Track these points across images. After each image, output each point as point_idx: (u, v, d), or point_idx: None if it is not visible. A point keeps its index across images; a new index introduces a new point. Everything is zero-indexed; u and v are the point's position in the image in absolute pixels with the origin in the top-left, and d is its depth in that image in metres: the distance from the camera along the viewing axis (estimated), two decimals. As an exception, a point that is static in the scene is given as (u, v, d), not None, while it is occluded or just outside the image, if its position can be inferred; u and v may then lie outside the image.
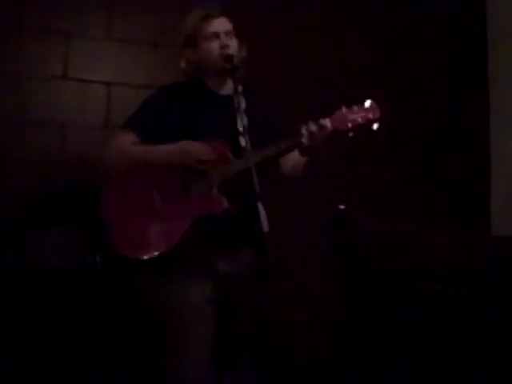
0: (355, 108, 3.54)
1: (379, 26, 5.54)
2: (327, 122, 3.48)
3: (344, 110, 3.54)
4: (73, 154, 4.75)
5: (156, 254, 3.54)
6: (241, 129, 3.31)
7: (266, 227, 3.09)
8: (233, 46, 3.62)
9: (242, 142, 3.31)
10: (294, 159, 3.69)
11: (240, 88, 3.47)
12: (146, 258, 3.56)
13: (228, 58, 3.56)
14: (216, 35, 3.61)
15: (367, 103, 3.57)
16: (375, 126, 3.52)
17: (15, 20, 4.78)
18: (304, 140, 3.45)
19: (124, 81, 4.95)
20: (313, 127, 3.46)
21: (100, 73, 4.91)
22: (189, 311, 3.59)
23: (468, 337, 2.65)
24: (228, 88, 3.60)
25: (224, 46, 3.57)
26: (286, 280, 3.77)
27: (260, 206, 3.12)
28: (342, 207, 4.42)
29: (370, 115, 3.53)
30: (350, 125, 3.50)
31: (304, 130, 3.48)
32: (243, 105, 3.43)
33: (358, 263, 2.36)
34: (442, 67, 5.68)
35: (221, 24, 3.65)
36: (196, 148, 3.54)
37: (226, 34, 3.62)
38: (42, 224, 4.56)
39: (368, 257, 2.33)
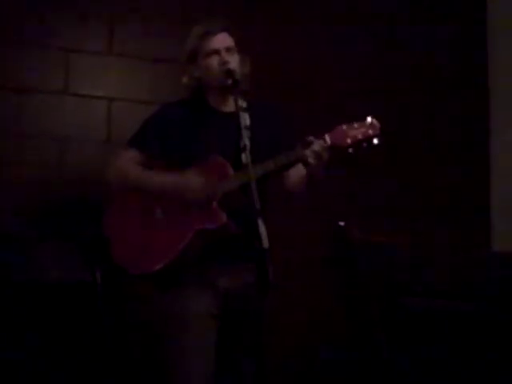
0: (356, 124, 3.54)
1: (380, 39, 5.57)
2: (327, 138, 3.51)
3: (344, 126, 3.55)
4: (73, 170, 4.77)
5: (159, 267, 3.55)
6: (242, 145, 3.32)
7: (266, 244, 3.10)
8: (233, 61, 3.61)
9: (244, 158, 3.33)
10: (295, 175, 3.70)
11: (243, 104, 3.51)
12: (152, 271, 3.57)
13: (229, 73, 3.58)
14: (216, 52, 3.60)
15: (368, 120, 3.58)
16: (375, 141, 3.52)
17: (16, 34, 4.78)
18: (306, 154, 3.47)
19: (125, 96, 4.97)
20: (313, 144, 3.49)
21: (101, 88, 4.93)
22: (188, 325, 3.59)
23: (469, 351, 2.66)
24: (231, 105, 3.59)
25: (224, 63, 3.57)
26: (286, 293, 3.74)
27: (260, 223, 3.13)
28: (341, 224, 4.44)
29: (370, 131, 3.53)
30: (349, 141, 3.50)
31: (305, 152, 3.50)
32: (247, 121, 3.46)
33: (357, 277, 2.37)
34: (442, 77, 5.72)
35: (221, 41, 3.64)
36: (192, 185, 3.56)
37: (227, 50, 3.61)
38: (41, 239, 4.54)
39: (367, 271, 2.35)
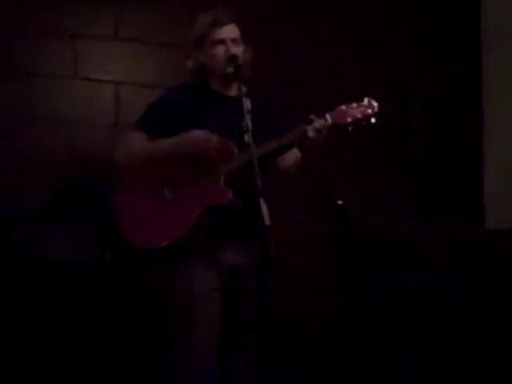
0: (355, 104, 3.67)
1: (378, 38, 5.60)
2: (328, 117, 3.62)
3: (344, 106, 3.67)
4: (82, 152, 4.79)
5: (167, 242, 3.64)
6: (245, 127, 3.39)
7: (267, 221, 3.17)
8: (238, 52, 3.70)
9: (246, 139, 3.40)
10: (290, 158, 3.83)
11: (245, 89, 3.57)
12: (161, 245, 3.65)
13: (232, 58, 3.66)
14: (223, 41, 3.70)
15: (365, 100, 3.69)
16: (373, 120, 3.64)
17: (28, 21, 4.78)
18: (307, 131, 3.58)
19: (131, 80, 4.98)
20: (314, 122, 3.59)
21: (109, 73, 4.94)
22: (194, 300, 3.69)
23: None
24: (233, 90, 3.69)
25: (229, 53, 3.65)
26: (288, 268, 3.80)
27: (262, 202, 3.21)
28: (339, 202, 4.51)
29: (369, 110, 3.67)
30: (349, 119, 3.63)
31: (306, 127, 3.61)
32: (248, 105, 3.53)
33: (353, 250, 2.44)
34: (436, 75, 5.77)
35: (229, 31, 3.73)
36: (201, 134, 3.62)
37: (233, 40, 3.71)
38: (52, 219, 4.61)
39: (363, 249, 2.42)
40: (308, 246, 5.04)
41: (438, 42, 5.74)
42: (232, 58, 3.65)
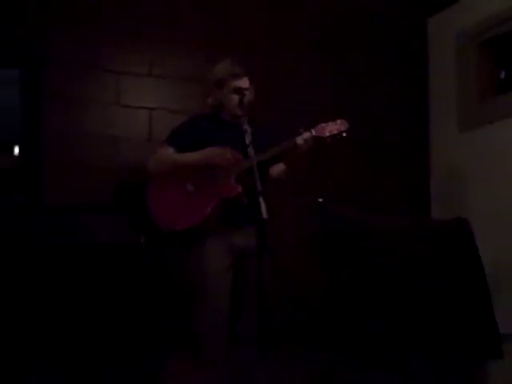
0: (331, 123, 3.86)
1: (348, 79, 5.55)
2: (312, 130, 3.80)
3: (323, 124, 3.85)
4: (123, 161, 4.79)
5: (191, 224, 3.77)
6: (248, 143, 3.47)
7: (265, 215, 3.24)
8: (250, 98, 3.87)
9: (249, 151, 3.48)
10: (278, 168, 3.97)
11: (246, 119, 3.63)
12: (184, 227, 3.80)
13: (241, 102, 3.79)
14: (239, 90, 3.82)
15: (338, 120, 3.88)
16: (344, 134, 3.86)
17: (86, 62, 4.80)
18: (298, 141, 3.76)
19: (161, 107, 4.96)
20: (303, 134, 3.77)
21: (143, 101, 4.94)
22: (210, 276, 3.79)
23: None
24: (238, 119, 3.77)
25: (241, 100, 3.79)
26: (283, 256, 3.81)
27: (261, 199, 3.28)
28: (320, 200, 4.52)
29: (342, 127, 3.85)
30: (327, 133, 3.82)
31: (297, 139, 3.76)
32: (249, 129, 3.61)
33: (331, 240, 2.45)
34: (391, 94, 5.69)
35: (244, 83, 3.88)
36: (218, 150, 3.80)
37: (246, 89, 3.85)
38: (99, 211, 4.48)
39: (339, 235, 2.44)
40: (296, 236, 5.05)
41: (392, 80, 5.74)
42: (242, 102, 3.78)
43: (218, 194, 3.77)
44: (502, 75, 5.51)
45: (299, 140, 3.79)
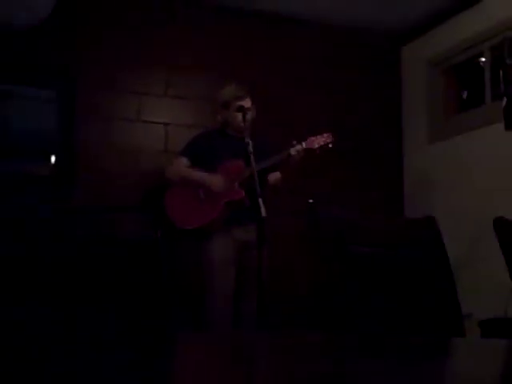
0: (319, 136, 3.89)
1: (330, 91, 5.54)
2: (303, 143, 3.83)
3: (313, 137, 3.87)
4: (143, 169, 4.79)
5: (201, 224, 3.80)
6: (249, 153, 3.51)
7: (264, 213, 3.26)
8: (249, 115, 3.86)
9: (251, 160, 3.52)
10: (275, 176, 3.98)
11: (248, 133, 3.68)
12: (195, 227, 3.83)
13: (244, 118, 3.79)
14: (242, 109, 3.82)
15: (325, 134, 3.90)
16: (330, 146, 3.89)
17: (109, 84, 4.82)
18: (291, 152, 3.80)
19: (176, 122, 4.96)
20: (295, 146, 3.78)
21: (160, 117, 4.95)
22: (217, 265, 3.81)
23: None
24: (242, 134, 3.78)
25: (245, 119, 3.80)
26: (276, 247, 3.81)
27: (260, 200, 3.31)
28: (310, 201, 4.57)
29: (328, 140, 3.86)
30: (316, 145, 3.83)
31: (291, 150, 3.79)
32: (251, 142, 3.63)
33: (322, 235, 2.46)
34: (371, 111, 5.66)
35: (247, 103, 3.89)
36: (216, 181, 3.83)
37: (248, 109, 3.85)
38: (123, 210, 4.60)
39: (328, 232, 2.44)
40: (290, 231, 5.01)
41: (371, 100, 5.74)
42: (244, 119, 3.79)
43: (225, 198, 3.79)
44: (465, 95, 5.55)
45: (292, 151, 3.84)
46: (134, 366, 1.17)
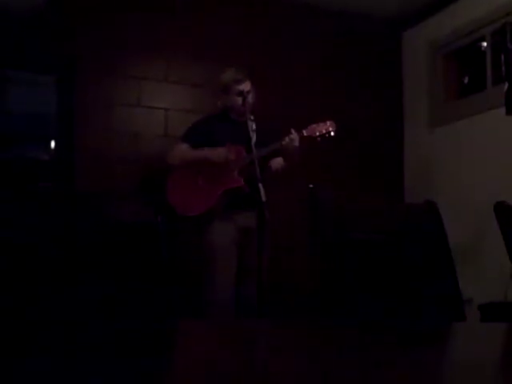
0: (321, 124, 3.79)
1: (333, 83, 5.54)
2: (304, 131, 3.74)
3: (314, 125, 3.79)
4: (144, 153, 4.78)
5: (201, 211, 3.78)
6: (252, 138, 3.51)
7: (264, 198, 3.26)
8: (250, 98, 3.83)
9: (252, 146, 3.52)
10: (278, 162, 3.92)
11: (252, 117, 3.68)
12: (195, 214, 3.81)
13: (244, 102, 3.78)
14: (241, 93, 3.80)
15: (328, 122, 3.80)
16: (332, 134, 3.78)
17: (109, 69, 4.79)
18: (289, 141, 3.72)
19: (176, 108, 4.95)
20: (291, 135, 3.71)
21: (161, 102, 4.94)
22: (218, 249, 3.80)
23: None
24: (244, 118, 3.76)
25: (246, 101, 3.78)
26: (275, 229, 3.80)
27: (260, 185, 3.31)
28: (311, 186, 4.53)
29: (330, 128, 3.77)
30: (317, 133, 3.76)
31: (285, 139, 3.73)
32: (253, 126, 3.63)
33: (321, 219, 2.44)
34: (373, 97, 5.65)
35: (245, 86, 3.85)
36: (221, 151, 3.79)
37: (248, 92, 3.82)
38: (123, 196, 4.59)
39: (328, 218, 2.42)
40: (290, 216, 5.00)
41: (372, 85, 5.72)
42: (244, 102, 3.76)
43: (223, 186, 3.77)
44: (466, 80, 5.53)
45: (284, 141, 3.75)
46: (135, 352, 1.17)
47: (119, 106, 4.85)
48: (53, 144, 4.62)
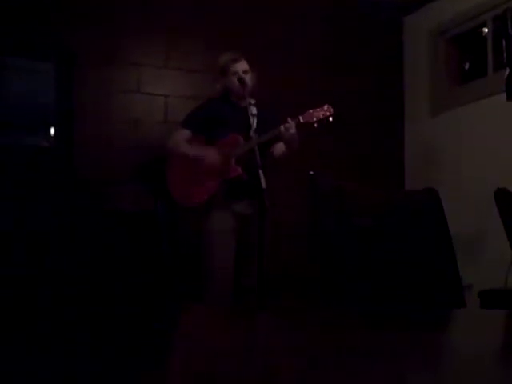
0: (318, 109, 3.73)
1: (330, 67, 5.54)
2: (300, 117, 3.69)
3: (311, 110, 3.73)
4: (143, 139, 4.76)
5: (200, 201, 3.75)
6: (252, 124, 3.49)
7: (264, 185, 3.26)
8: (248, 79, 3.78)
9: (251, 133, 3.50)
10: (280, 148, 3.88)
11: (253, 101, 3.66)
12: (195, 205, 3.79)
13: (241, 81, 3.75)
14: (237, 73, 3.76)
15: (325, 106, 3.75)
16: (330, 119, 3.72)
17: (109, 56, 4.78)
18: (285, 130, 3.65)
19: (175, 94, 4.93)
20: (287, 124, 3.67)
21: (160, 89, 4.92)
22: (217, 235, 3.79)
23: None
24: (244, 101, 3.73)
25: (241, 79, 3.74)
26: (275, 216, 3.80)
27: (260, 172, 3.30)
28: (311, 173, 4.53)
29: (327, 113, 3.71)
30: (314, 119, 3.69)
31: (281, 127, 3.68)
32: (254, 111, 3.60)
33: (321, 205, 2.43)
34: (373, 83, 5.64)
35: (241, 66, 3.81)
36: (209, 155, 3.78)
37: (244, 72, 3.79)
38: (123, 183, 4.58)
39: (329, 204, 2.42)
40: (290, 201, 5.00)
41: (373, 71, 5.70)
42: (241, 81, 3.72)
43: (222, 176, 3.75)
44: (467, 66, 5.51)
45: (282, 129, 3.67)
46: (136, 336, 1.17)
47: (119, 92, 4.82)
48: (52, 131, 4.61)
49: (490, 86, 4.85)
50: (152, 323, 1.30)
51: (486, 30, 5.06)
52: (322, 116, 3.72)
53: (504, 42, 3.77)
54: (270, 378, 0.80)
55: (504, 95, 3.83)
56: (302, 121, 3.69)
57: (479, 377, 0.87)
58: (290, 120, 3.66)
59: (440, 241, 2.38)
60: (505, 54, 3.74)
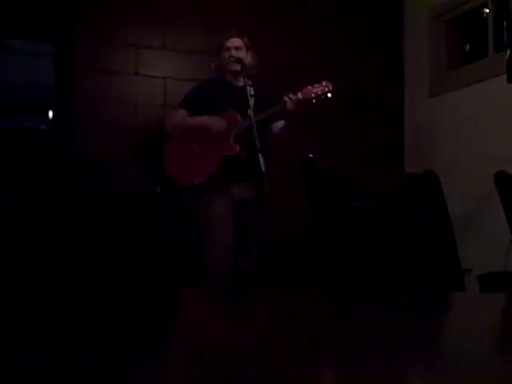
0: (316, 85, 3.72)
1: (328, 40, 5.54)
2: (298, 94, 3.66)
3: (309, 86, 3.72)
4: (142, 122, 4.77)
5: (198, 181, 3.74)
6: (250, 104, 3.47)
7: (263, 168, 3.25)
8: (240, 55, 3.76)
9: (249, 111, 3.49)
10: (277, 126, 3.86)
11: (249, 81, 3.64)
12: (193, 183, 3.78)
13: (238, 60, 3.73)
14: (229, 48, 3.75)
15: (324, 82, 3.74)
16: (329, 95, 3.71)
17: (107, 37, 4.79)
18: (287, 103, 3.65)
19: (174, 76, 4.92)
20: (290, 96, 3.66)
21: (159, 71, 4.92)
22: (216, 217, 3.79)
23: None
24: (242, 81, 3.73)
25: (231, 56, 3.72)
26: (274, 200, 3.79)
27: (260, 155, 3.29)
28: (310, 156, 4.51)
29: (326, 89, 3.71)
30: (313, 95, 3.68)
31: (285, 98, 3.67)
32: (251, 91, 3.59)
33: (322, 190, 2.43)
34: (373, 64, 5.63)
35: (233, 42, 3.80)
36: (215, 122, 3.76)
37: (236, 48, 3.76)
38: (121, 164, 4.57)
39: (328, 187, 2.41)
40: (290, 184, 4.98)
41: (373, 52, 5.68)
42: (238, 60, 3.71)
43: (220, 154, 3.73)
44: (467, 48, 5.49)
45: (288, 102, 3.67)
46: (133, 318, 1.17)
47: (117, 74, 4.82)
48: (51, 114, 4.59)
49: (490, 67, 4.82)
50: (151, 304, 1.30)
51: (487, 10, 5.03)
52: (320, 92, 3.71)
53: (505, 23, 3.75)
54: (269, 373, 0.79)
55: (504, 77, 3.83)
56: (301, 97, 3.68)
57: (479, 361, 0.86)
58: (285, 98, 3.66)
59: (440, 224, 2.38)
60: (506, 36, 3.73)
